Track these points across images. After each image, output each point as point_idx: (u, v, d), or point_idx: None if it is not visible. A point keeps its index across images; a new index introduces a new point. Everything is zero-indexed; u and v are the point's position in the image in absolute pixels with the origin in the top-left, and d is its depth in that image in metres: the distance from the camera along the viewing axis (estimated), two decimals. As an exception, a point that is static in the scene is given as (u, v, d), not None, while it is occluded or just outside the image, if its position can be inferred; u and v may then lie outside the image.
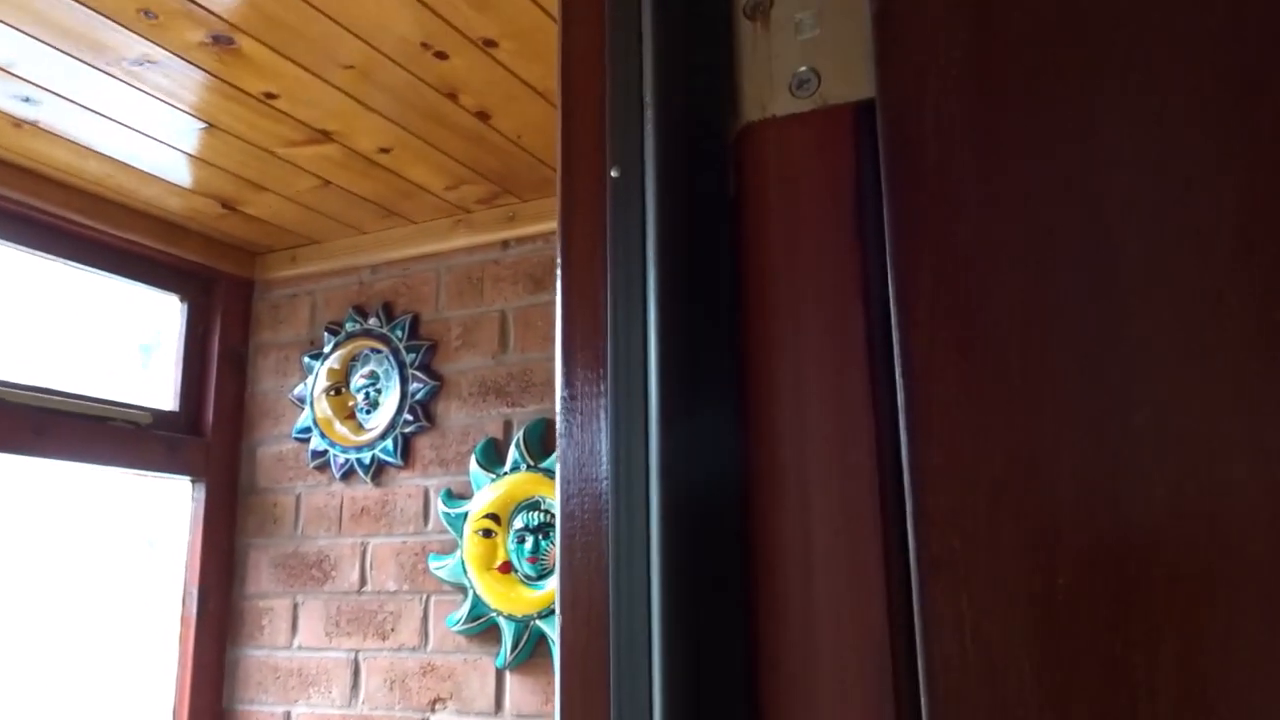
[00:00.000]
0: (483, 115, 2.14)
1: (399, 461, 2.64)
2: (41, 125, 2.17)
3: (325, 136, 2.23)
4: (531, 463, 2.44)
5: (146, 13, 1.76)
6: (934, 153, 0.47)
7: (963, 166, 0.47)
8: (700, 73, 0.57)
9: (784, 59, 0.56)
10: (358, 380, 2.76)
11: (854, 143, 0.52)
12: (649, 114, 0.55)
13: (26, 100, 2.06)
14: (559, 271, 0.59)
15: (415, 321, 2.72)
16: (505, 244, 2.65)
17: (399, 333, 2.71)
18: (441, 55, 1.91)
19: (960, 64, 0.47)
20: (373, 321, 2.77)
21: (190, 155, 2.33)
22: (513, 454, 2.47)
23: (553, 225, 2.50)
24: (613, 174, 0.54)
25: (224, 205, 2.63)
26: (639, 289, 0.52)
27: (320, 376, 2.79)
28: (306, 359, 2.84)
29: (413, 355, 2.68)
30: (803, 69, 0.55)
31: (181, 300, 2.88)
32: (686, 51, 0.57)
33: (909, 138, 0.48)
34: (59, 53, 1.88)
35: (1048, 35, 0.46)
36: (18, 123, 2.16)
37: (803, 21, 0.56)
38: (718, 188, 0.55)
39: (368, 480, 2.67)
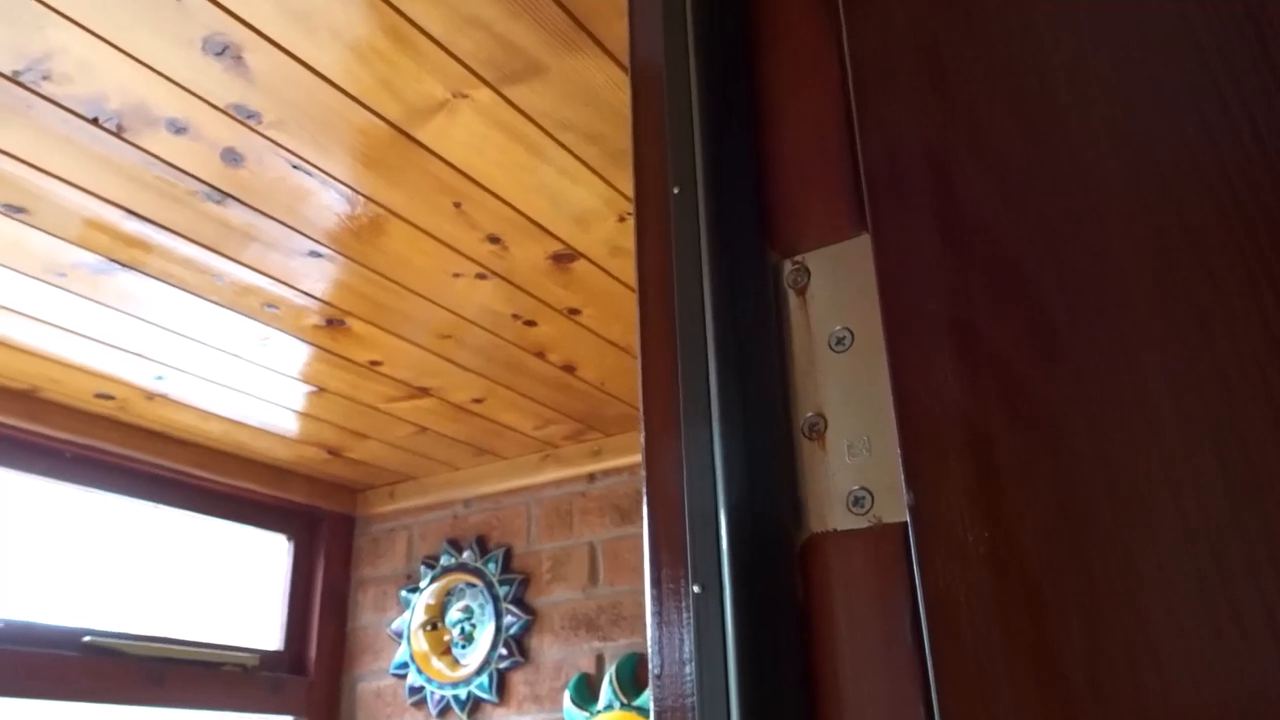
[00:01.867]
0: (568, 368, 2.29)
1: (494, 698, 2.66)
2: (170, 396, 2.39)
3: (423, 392, 2.40)
4: (625, 700, 2.44)
5: (269, 306, 1.96)
6: (961, 585, 0.54)
7: (985, 600, 0.53)
8: (767, 484, 0.65)
9: (841, 477, 0.64)
10: (453, 614, 2.83)
11: (906, 559, 0.60)
12: (724, 525, 0.64)
13: (159, 378, 2.28)
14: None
15: (508, 555, 2.81)
16: (591, 477, 2.75)
17: (492, 566, 2.80)
18: (530, 323, 2.07)
19: (980, 517, 0.55)
20: (467, 555, 2.86)
21: (300, 413, 2.52)
22: (605, 691, 2.48)
23: (636, 458, 2.59)
24: (695, 590, 0.62)
25: (329, 452, 2.80)
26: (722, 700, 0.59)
27: (417, 611, 2.87)
28: (404, 593, 2.93)
29: (506, 589, 2.75)
30: (857, 488, 0.63)
31: (288, 540, 3.03)
32: (752, 467, 0.66)
33: (938, 564, 0.55)
34: (189, 340, 2.10)
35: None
36: (150, 395, 2.38)
37: (855, 445, 0.64)
38: (788, 593, 0.62)
39: (464, 717, 2.70)
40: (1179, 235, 0.47)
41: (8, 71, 1.33)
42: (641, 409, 0.71)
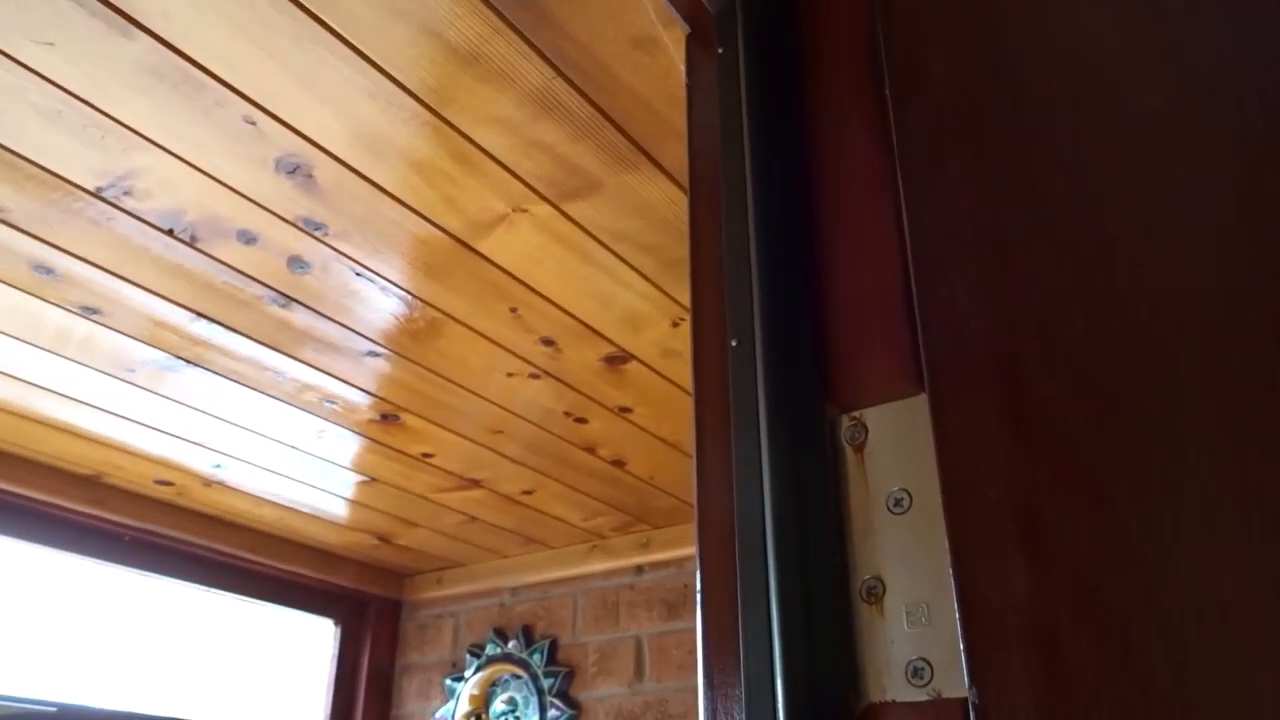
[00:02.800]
0: (618, 463, 2.30)
1: (537, 795, 2.62)
2: (227, 483, 2.43)
3: (474, 484, 2.42)
4: (670, 803, 2.39)
5: (327, 401, 2.00)
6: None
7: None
8: (825, 648, 0.65)
9: (900, 646, 0.63)
10: (498, 706, 2.80)
11: (968, 738, 0.58)
12: (780, 691, 0.63)
13: (217, 466, 2.33)
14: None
15: (553, 646, 2.78)
16: (639, 569, 2.73)
17: (538, 658, 2.77)
18: (581, 420, 2.09)
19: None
20: (513, 645, 2.84)
21: (352, 501, 2.55)
22: (651, 793, 2.42)
23: (685, 551, 2.57)
24: (752, 759, 0.62)
25: (378, 538, 2.82)
26: None
27: (462, 700, 2.84)
28: (449, 681, 2.91)
29: (551, 681, 2.72)
30: (916, 658, 0.62)
31: (335, 624, 3.04)
32: (810, 629, 0.65)
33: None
34: (247, 431, 2.14)
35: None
36: (208, 482, 2.43)
37: (914, 613, 0.64)
38: (847, 764, 0.61)
39: (506, 814, 2.65)
40: (1256, 443, 0.47)
41: (91, 187, 1.39)
42: (699, 564, 0.72)
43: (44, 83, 1.21)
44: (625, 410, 2.05)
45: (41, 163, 1.35)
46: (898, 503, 0.66)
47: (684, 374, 1.87)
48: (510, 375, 1.91)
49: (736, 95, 0.83)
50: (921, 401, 0.66)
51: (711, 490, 0.75)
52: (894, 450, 0.68)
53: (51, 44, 1.15)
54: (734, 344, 0.75)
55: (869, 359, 0.71)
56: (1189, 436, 0.49)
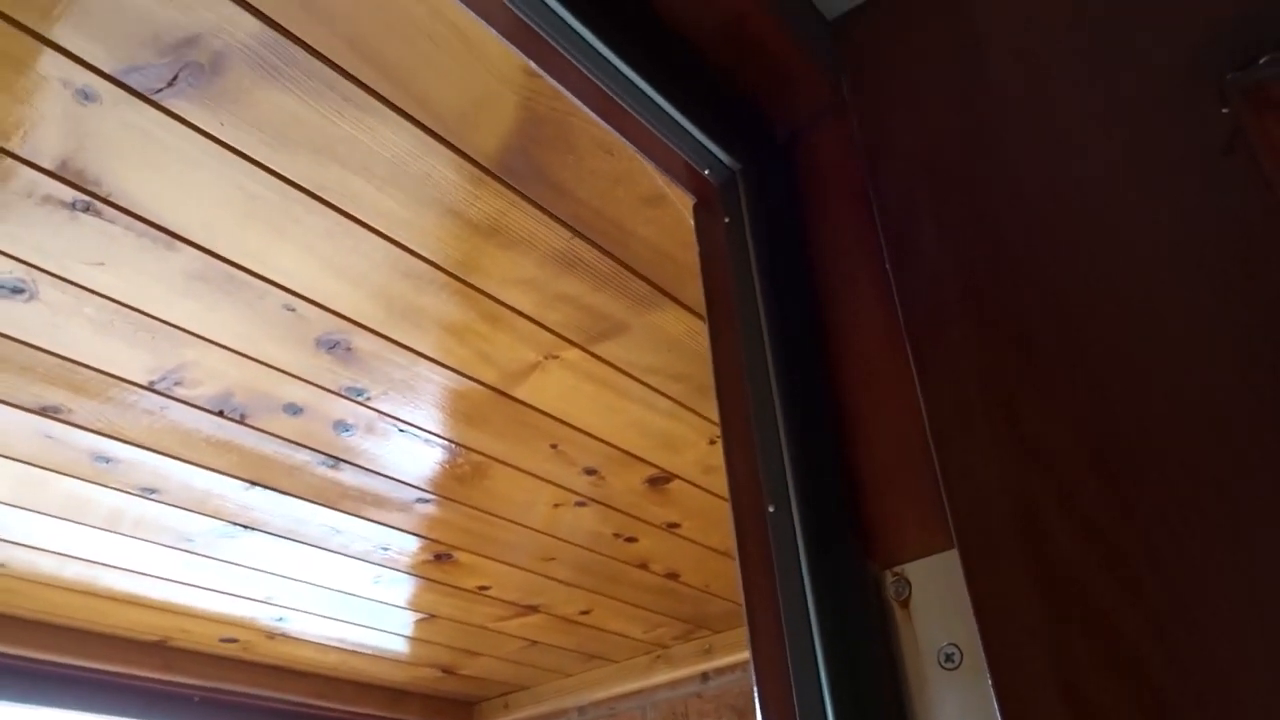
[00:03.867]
0: (671, 575, 2.31)
1: None
2: (290, 634, 2.47)
3: (531, 610, 2.43)
4: None
5: (381, 548, 2.04)
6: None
7: None
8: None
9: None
10: (577, 832, 2.76)
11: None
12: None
13: (279, 620, 2.37)
14: None
15: (627, 764, 2.75)
16: (705, 676, 2.71)
17: (612, 778, 2.74)
18: (631, 539, 2.11)
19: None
20: (586, 766, 2.81)
21: (413, 638, 2.57)
22: None
23: (748, 655, 2.56)
24: None
25: (443, 670, 2.83)
26: None
27: (540, 829, 2.80)
28: (525, 810, 2.88)
29: (628, 801, 2.68)
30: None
31: (406, 761, 3.02)
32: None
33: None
34: (307, 584, 2.18)
35: None
36: (271, 635, 2.46)
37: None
38: None
39: None
40: (1274, 601, 0.49)
41: (144, 382, 1.46)
42: (762, 728, 0.74)
43: (97, 297, 1.29)
44: (673, 526, 2.07)
45: (98, 367, 1.42)
46: (949, 658, 0.68)
47: (726, 487, 1.89)
48: (557, 506, 1.94)
49: (747, 265, 0.88)
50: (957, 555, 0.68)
51: (766, 651, 0.77)
52: (939, 605, 0.71)
53: (102, 264, 1.23)
54: (771, 510, 0.78)
55: (904, 516, 0.74)
56: (1226, 622, 0.51)
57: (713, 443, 1.76)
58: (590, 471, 1.83)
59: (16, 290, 1.27)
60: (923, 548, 0.72)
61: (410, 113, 1.07)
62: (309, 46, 0.99)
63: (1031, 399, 0.63)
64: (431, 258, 1.28)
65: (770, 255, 0.88)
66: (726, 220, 0.91)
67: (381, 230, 1.22)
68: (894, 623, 0.72)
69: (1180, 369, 0.57)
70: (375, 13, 0.96)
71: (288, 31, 0.98)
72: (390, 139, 1.10)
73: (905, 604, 0.72)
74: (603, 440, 1.73)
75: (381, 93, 1.05)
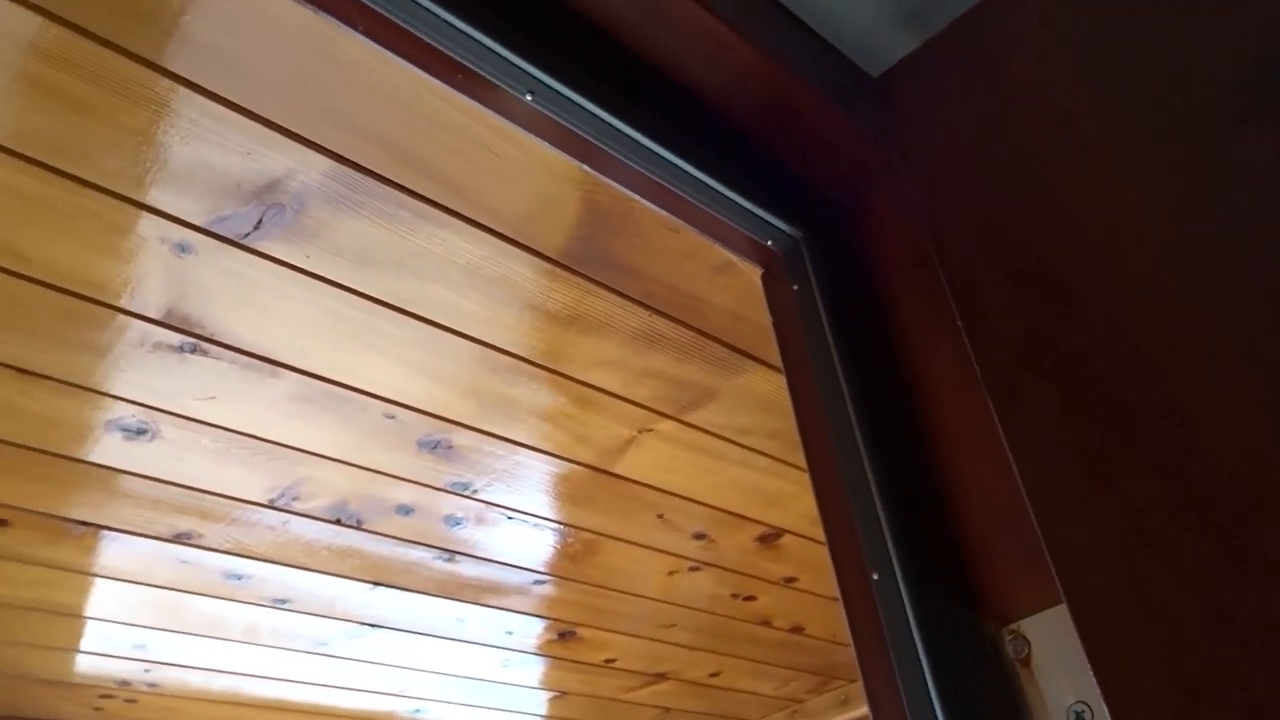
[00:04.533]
0: (796, 630, 2.27)
1: None
2: (428, 724, 2.51)
3: (660, 678, 2.43)
4: None
5: (506, 631, 2.07)
6: None
7: None
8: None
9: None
10: None
11: None
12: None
13: (416, 711, 2.41)
14: None
15: (776, 825, 2.69)
16: (844, 727, 2.65)
17: (763, 841, 2.68)
18: (750, 598, 2.09)
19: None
20: (735, 831, 2.76)
21: (547, 716, 2.59)
22: None
23: None
24: None
25: (580, 745, 2.83)
26: None
27: None
28: None
29: None
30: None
31: (556, 840, 3.02)
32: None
33: None
34: (438, 674, 2.22)
35: None
36: (410, 726, 2.51)
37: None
38: None
39: None
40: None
41: (264, 501, 1.54)
42: (895, 809, 0.72)
43: (212, 429, 1.36)
44: (790, 580, 2.04)
45: (221, 492, 1.50)
46: (1079, 716, 0.66)
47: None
48: (671, 573, 1.95)
49: (820, 329, 0.88)
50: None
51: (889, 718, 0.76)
52: (1062, 661, 0.69)
53: (213, 398, 1.31)
54: (875, 577, 0.77)
55: (1011, 572, 0.72)
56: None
57: (818, 494, 1.74)
58: (699, 536, 1.83)
59: (140, 431, 1.35)
60: (1036, 602, 0.71)
61: (479, 221, 1.12)
62: (377, 174, 1.05)
63: (1121, 453, 0.62)
64: (516, 351, 1.31)
65: (842, 318, 0.88)
66: (795, 288, 0.92)
67: (466, 332, 1.27)
68: (1018, 683, 0.70)
69: (1269, 412, 0.55)
70: (436, 134, 1.01)
71: (356, 164, 1.03)
72: (464, 247, 1.14)
73: (1026, 662, 0.70)
74: (707, 505, 1.73)
75: (450, 206, 1.09)
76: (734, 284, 1.26)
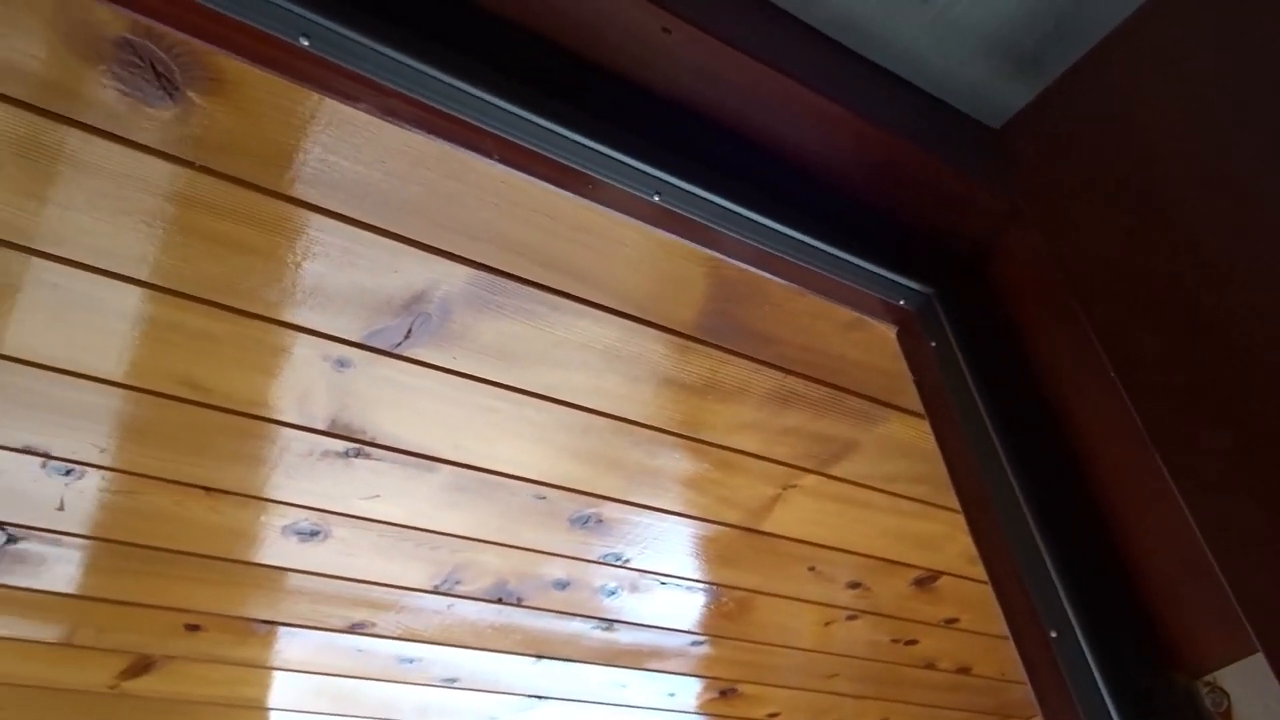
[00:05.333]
0: (963, 670, 2.21)
1: None
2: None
3: (826, 728, 2.39)
4: None
5: (669, 694, 2.09)
6: None
7: None
8: None
9: None
10: None
11: None
12: None
13: (587, 777, 2.44)
14: None
15: None
16: (1025, 768, 2.54)
17: None
18: (911, 642, 2.05)
19: None
20: None
21: (716, 774, 2.57)
22: None
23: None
24: None
25: (751, 801, 2.80)
26: None
27: None
28: None
29: None
30: None
31: None
32: None
33: None
34: (607, 740, 2.25)
35: None
36: (582, 793, 2.53)
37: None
38: None
39: None
40: None
41: (429, 587, 1.60)
42: None
43: (378, 524, 1.44)
44: (951, 621, 2.00)
45: (389, 582, 1.57)
46: (1292, 771, 0.64)
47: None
48: (828, 624, 1.93)
49: (964, 384, 0.88)
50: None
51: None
52: (1266, 712, 0.66)
53: (377, 496, 1.38)
54: (1054, 635, 0.76)
55: (1200, 621, 0.70)
56: None
57: (972, 533, 1.71)
58: (854, 585, 1.81)
59: (313, 533, 1.44)
60: (1231, 652, 0.68)
61: (612, 306, 1.16)
62: (513, 275, 1.10)
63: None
64: (656, 424, 1.34)
65: (985, 370, 0.88)
66: (933, 344, 0.92)
67: (607, 411, 1.31)
68: (1220, 736, 0.68)
69: None
70: (566, 232, 1.06)
71: (493, 268, 1.09)
72: (599, 333, 1.19)
73: (1227, 715, 0.68)
74: (859, 553, 1.71)
75: (583, 296, 1.14)
76: (866, 339, 1.26)
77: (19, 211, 0.97)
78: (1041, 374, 0.85)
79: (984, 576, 1.77)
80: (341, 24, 0.65)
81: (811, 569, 1.74)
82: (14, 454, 1.24)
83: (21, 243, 1.00)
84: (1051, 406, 0.84)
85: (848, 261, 0.90)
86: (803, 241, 0.87)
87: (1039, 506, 0.78)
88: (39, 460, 1.26)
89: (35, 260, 1.02)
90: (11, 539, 1.38)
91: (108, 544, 1.42)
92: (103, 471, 1.29)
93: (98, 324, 1.09)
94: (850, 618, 1.92)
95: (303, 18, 0.64)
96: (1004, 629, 1.94)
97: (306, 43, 0.66)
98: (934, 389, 0.93)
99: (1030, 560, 0.78)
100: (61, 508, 1.33)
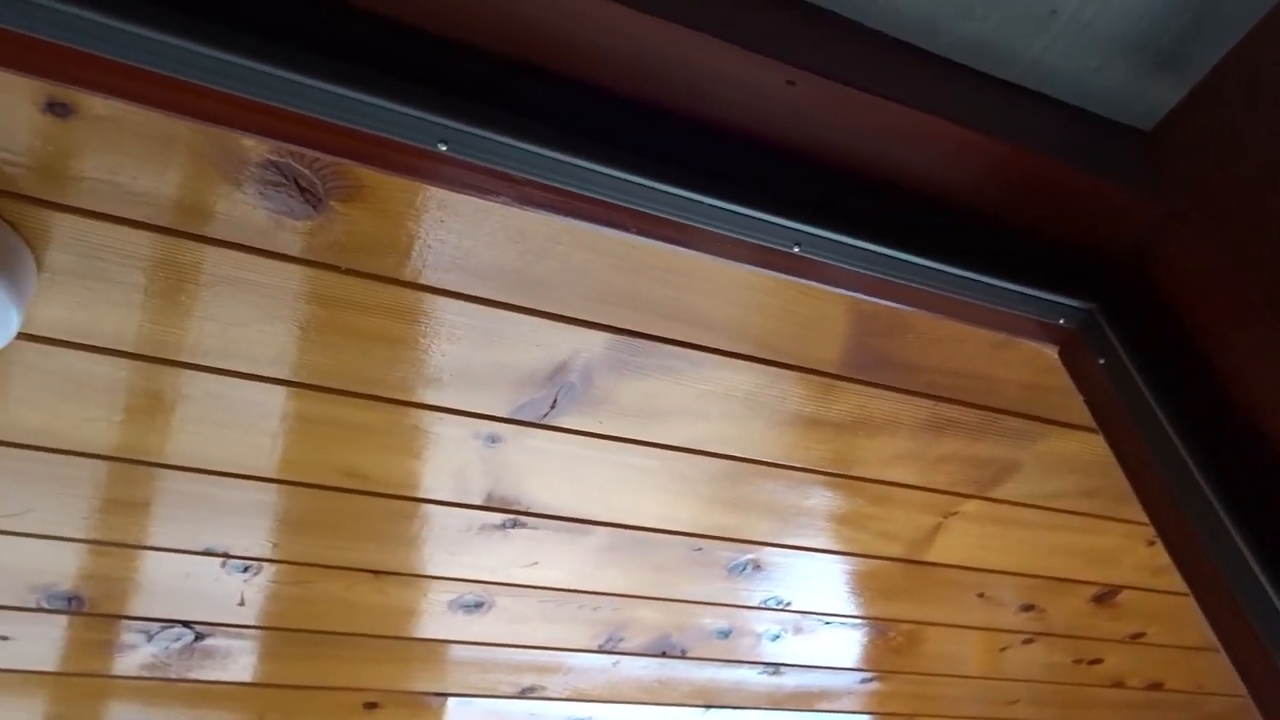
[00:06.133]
0: (1154, 686, 2.08)
1: None
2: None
3: (1011, 757, 2.28)
4: None
5: (840, 734, 2.03)
6: None
7: None
8: None
9: None
10: None
11: None
12: None
13: (766, 823, 2.39)
14: None
15: None
16: (1234, 784, 2.37)
17: None
18: (1095, 661, 1.95)
19: None
20: None
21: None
22: None
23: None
24: None
25: (938, 836, 2.69)
26: None
27: None
28: None
29: None
30: None
31: None
32: None
33: None
34: (783, 784, 2.20)
35: None
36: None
37: None
38: None
39: None
40: None
41: (593, 647, 1.61)
42: None
43: (538, 590, 1.45)
44: (1137, 636, 1.89)
45: (554, 645, 1.58)
46: None
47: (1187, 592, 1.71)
48: (1003, 649, 1.85)
49: (1141, 400, 0.83)
50: None
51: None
52: None
53: (536, 563, 1.39)
54: (1268, 641, 0.70)
55: None
56: None
57: (1151, 544, 1.61)
58: (1027, 608, 1.73)
59: (477, 605, 1.46)
60: None
61: (751, 354, 1.14)
62: (651, 335, 1.10)
63: None
64: (806, 465, 1.32)
65: (1162, 381, 0.83)
66: (1101, 360, 0.88)
67: (754, 458, 1.29)
68: None
69: None
70: (701, 288, 1.06)
71: (630, 331, 1.09)
72: (740, 381, 1.17)
73: None
74: (1029, 575, 1.64)
75: (722, 348, 1.13)
76: (1016, 358, 1.21)
77: (176, 330, 1.03)
78: (1227, 380, 0.80)
79: (1169, 587, 1.67)
80: (478, 126, 0.66)
81: (981, 595, 1.67)
82: (197, 556, 1.30)
83: (182, 359, 1.06)
84: (1241, 411, 0.79)
85: (999, 287, 0.87)
86: (950, 273, 0.85)
87: (1237, 513, 0.73)
88: (219, 560, 1.32)
89: (197, 374, 1.08)
90: (199, 636, 1.44)
91: (286, 633, 1.48)
92: (277, 565, 1.34)
93: (259, 426, 1.14)
94: (1026, 641, 1.84)
95: (441, 125, 0.66)
96: (1203, 640, 1.84)
97: (445, 148, 0.67)
98: (1107, 405, 0.88)
99: (1234, 568, 0.73)
100: (242, 603, 1.39)
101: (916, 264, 0.84)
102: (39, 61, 0.66)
